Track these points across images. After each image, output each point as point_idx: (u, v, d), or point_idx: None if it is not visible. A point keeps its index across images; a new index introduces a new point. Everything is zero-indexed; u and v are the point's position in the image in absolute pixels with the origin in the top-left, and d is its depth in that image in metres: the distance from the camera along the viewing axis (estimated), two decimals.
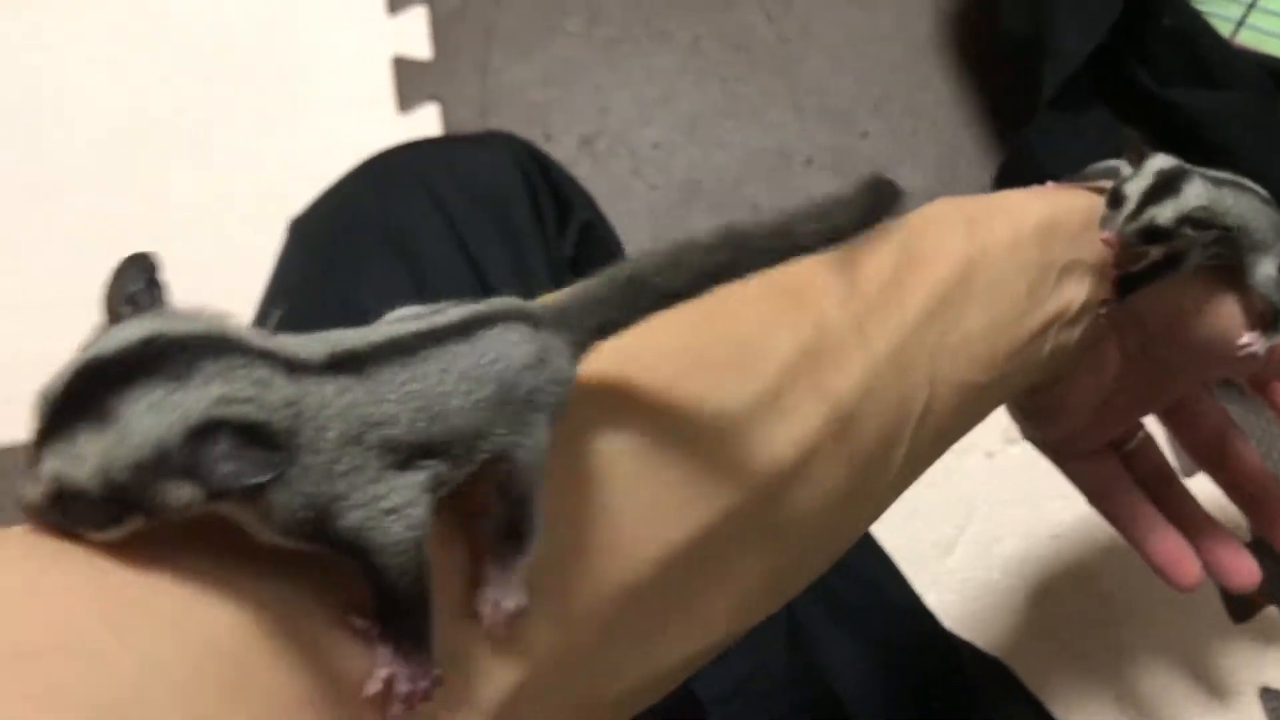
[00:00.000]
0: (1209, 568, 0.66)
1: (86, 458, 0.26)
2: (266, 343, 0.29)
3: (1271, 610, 1.05)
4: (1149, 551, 0.66)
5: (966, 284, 0.47)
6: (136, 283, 0.29)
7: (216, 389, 0.26)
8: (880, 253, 0.46)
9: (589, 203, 0.90)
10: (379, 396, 0.29)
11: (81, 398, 0.26)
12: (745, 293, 0.42)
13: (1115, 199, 0.51)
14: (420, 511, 0.30)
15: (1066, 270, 0.51)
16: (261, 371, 0.27)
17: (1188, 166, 0.51)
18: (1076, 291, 0.51)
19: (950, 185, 1.24)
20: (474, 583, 0.33)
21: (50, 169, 1.29)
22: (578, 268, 0.83)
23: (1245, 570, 0.66)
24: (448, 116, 1.29)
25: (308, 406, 0.28)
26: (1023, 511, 1.09)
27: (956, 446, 0.51)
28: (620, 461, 0.38)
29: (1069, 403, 0.58)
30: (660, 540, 0.38)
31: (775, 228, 0.37)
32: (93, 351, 0.27)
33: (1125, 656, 1.03)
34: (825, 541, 0.46)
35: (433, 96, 1.31)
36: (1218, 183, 0.52)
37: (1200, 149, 1.03)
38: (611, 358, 0.38)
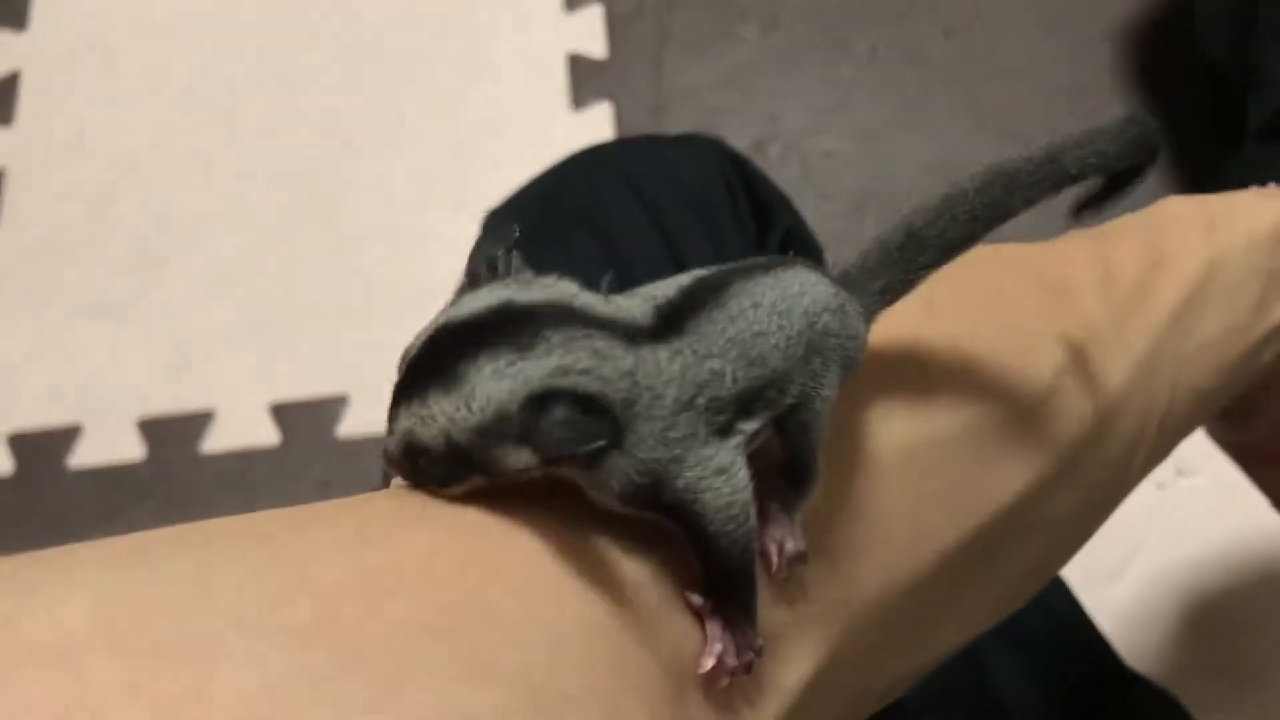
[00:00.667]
0: None
1: (435, 418, 0.27)
2: (606, 310, 0.29)
3: None
4: None
5: (1206, 287, 0.46)
6: (496, 248, 0.30)
7: (556, 359, 0.27)
8: (1128, 249, 0.46)
9: (790, 209, 0.90)
10: (705, 352, 0.29)
11: (435, 360, 0.27)
12: (1011, 283, 0.42)
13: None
14: (743, 472, 0.30)
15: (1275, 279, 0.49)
16: (600, 342, 0.28)
17: None
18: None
19: (1123, 212, 1.21)
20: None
21: (236, 162, 1.32)
22: None
23: None
24: (621, 115, 1.30)
25: (645, 375, 0.28)
26: (1193, 546, 1.07)
27: None
28: (912, 453, 0.38)
29: (1268, 405, 0.56)
30: (944, 536, 0.38)
31: (1041, 157, 0.37)
32: (447, 316, 0.28)
33: None
34: (1074, 538, 0.46)
35: (607, 95, 1.32)
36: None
37: None
38: (898, 337, 0.38)
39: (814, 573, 0.34)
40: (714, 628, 0.30)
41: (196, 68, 1.37)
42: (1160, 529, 1.07)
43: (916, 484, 0.37)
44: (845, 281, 0.35)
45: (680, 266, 0.79)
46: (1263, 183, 0.99)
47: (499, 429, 0.27)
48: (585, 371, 0.27)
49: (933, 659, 0.41)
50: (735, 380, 0.29)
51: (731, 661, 0.30)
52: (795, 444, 0.32)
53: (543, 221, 0.81)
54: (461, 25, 1.37)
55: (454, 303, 0.29)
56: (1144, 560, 1.06)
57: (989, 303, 0.42)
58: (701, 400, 0.29)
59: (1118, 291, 0.44)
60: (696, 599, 0.30)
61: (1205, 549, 1.07)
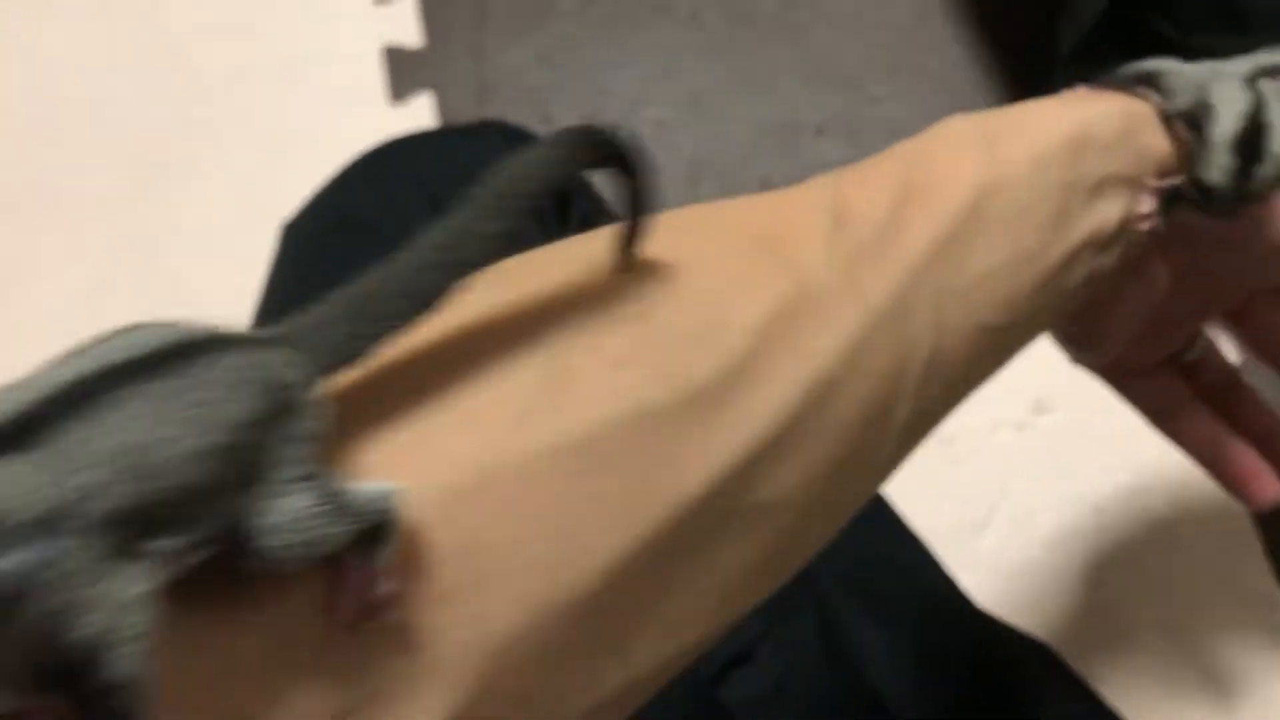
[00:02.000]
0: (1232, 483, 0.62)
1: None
2: None
3: None
4: (1220, 471, 0.61)
5: (980, 213, 0.42)
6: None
7: None
8: (878, 184, 0.42)
9: (589, 193, 0.86)
10: (72, 465, 0.24)
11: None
12: (711, 247, 0.39)
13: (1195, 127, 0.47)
14: (138, 615, 0.24)
15: (1099, 187, 0.46)
16: None
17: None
18: (1111, 209, 0.46)
19: None
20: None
21: (42, 175, 1.26)
22: None
23: (1266, 486, 0.61)
24: (443, 105, 1.25)
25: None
26: (1059, 485, 1.05)
27: (985, 420, 0.47)
28: (558, 457, 0.33)
29: (1114, 324, 0.54)
30: (612, 544, 0.33)
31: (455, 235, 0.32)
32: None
33: (1173, 633, 0.99)
34: (820, 514, 0.41)
35: (426, 85, 1.27)
36: None
37: None
38: (542, 328, 0.34)
39: (430, 616, 0.30)
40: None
41: None
42: (1023, 472, 1.05)
43: (566, 492, 0.32)
44: (289, 338, 0.29)
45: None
46: None
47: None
48: None
49: (657, 667, 0.36)
50: (120, 496, 0.24)
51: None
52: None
53: (334, 234, 0.77)
54: (269, 29, 1.31)
55: None
56: (1009, 506, 1.04)
57: (669, 277, 0.37)
58: (70, 523, 0.23)
59: (850, 237, 0.40)
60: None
61: (1071, 487, 1.05)
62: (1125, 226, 0.47)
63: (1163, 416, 0.61)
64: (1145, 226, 0.47)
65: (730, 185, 1.19)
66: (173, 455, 0.24)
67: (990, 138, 0.44)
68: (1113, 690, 0.96)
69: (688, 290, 0.37)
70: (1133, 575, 1.01)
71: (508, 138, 0.82)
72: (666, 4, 1.29)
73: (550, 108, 1.25)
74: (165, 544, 0.24)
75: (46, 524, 0.22)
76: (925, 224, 0.41)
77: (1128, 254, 0.48)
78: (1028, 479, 1.06)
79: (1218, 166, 0.45)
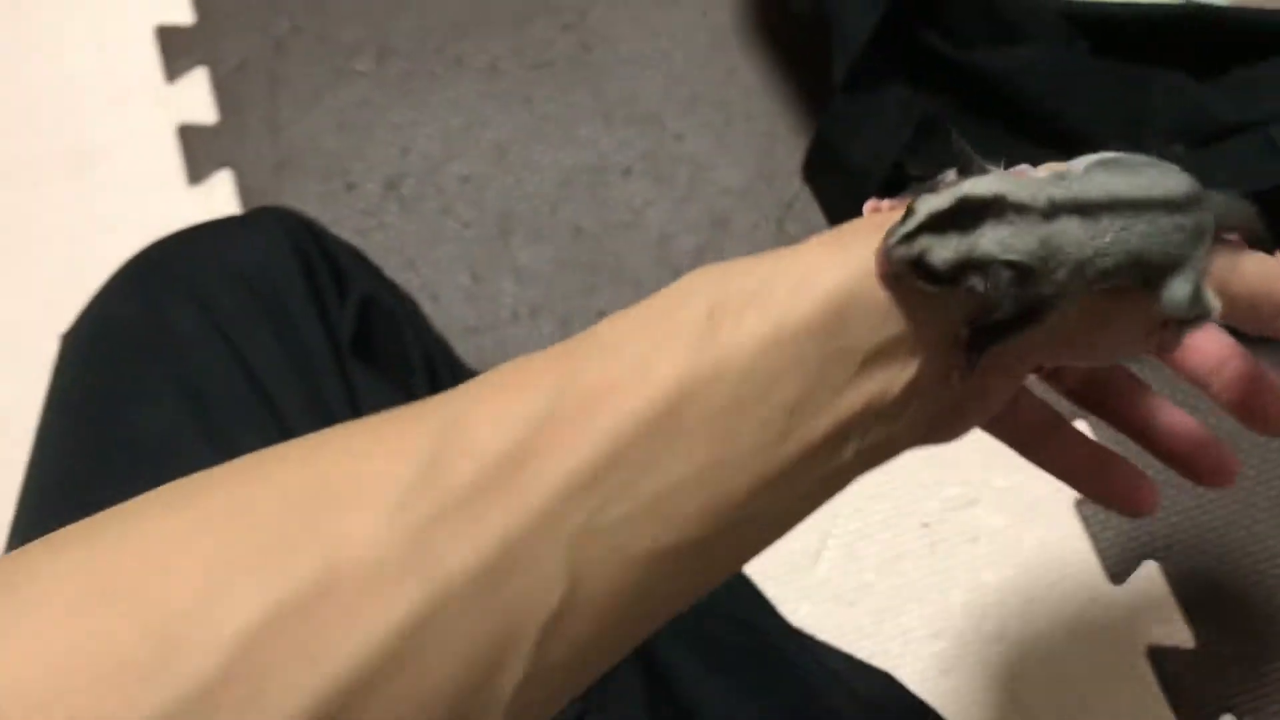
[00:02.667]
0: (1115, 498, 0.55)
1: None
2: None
3: (1149, 567, 1.03)
4: (1100, 490, 0.54)
5: (675, 418, 0.36)
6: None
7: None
8: (519, 399, 0.35)
9: (372, 274, 0.84)
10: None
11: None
12: (207, 534, 0.32)
13: (908, 211, 0.39)
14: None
15: (878, 354, 0.39)
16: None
17: (1019, 201, 0.39)
18: (896, 374, 0.40)
19: (771, 176, 1.20)
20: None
21: None
22: (359, 346, 0.78)
23: (1150, 491, 0.55)
24: (242, 181, 1.22)
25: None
26: (887, 505, 1.06)
27: None
28: None
29: (959, 430, 0.47)
30: None
31: None
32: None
33: (1010, 637, 1.00)
34: None
35: (224, 162, 1.24)
36: (1089, 212, 0.40)
37: (1006, 111, 1.00)
38: None
39: None
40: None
41: None
42: (850, 497, 1.05)
43: None
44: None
45: (252, 377, 0.73)
46: (852, 134, 0.97)
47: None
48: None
49: None
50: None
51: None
52: None
53: (102, 344, 0.74)
54: (59, 116, 1.27)
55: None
56: (840, 532, 1.04)
57: (139, 583, 0.31)
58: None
59: (442, 484, 0.33)
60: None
61: (899, 506, 1.06)
62: (920, 385, 0.40)
63: (1031, 446, 0.54)
64: (956, 380, 0.41)
65: (541, 235, 1.18)
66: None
67: (718, 312, 0.38)
68: (957, 702, 0.96)
69: (145, 604, 0.30)
70: (966, 589, 1.02)
71: (285, 225, 0.80)
72: (462, 57, 1.28)
73: (352, 173, 1.23)
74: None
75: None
76: (567, 452, 0.35)
77: (927, 408, 0.41)
78: (856, 503, 1.06)
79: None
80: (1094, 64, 1.01)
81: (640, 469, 0.35)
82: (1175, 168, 0.43)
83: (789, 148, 1.21)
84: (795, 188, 1.17)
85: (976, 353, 0.40)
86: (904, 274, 0.38)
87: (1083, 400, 0.54)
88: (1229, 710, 0.98)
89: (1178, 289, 0.42)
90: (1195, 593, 1.02)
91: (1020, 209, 0.38)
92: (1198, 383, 0.50)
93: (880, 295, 0.39)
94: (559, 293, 1.15)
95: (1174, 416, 0.53)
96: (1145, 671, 0.98)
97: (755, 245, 1.16)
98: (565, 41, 1.29)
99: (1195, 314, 0.42)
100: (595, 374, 0.36)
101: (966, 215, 0.38)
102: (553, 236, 1.18)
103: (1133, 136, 0.99)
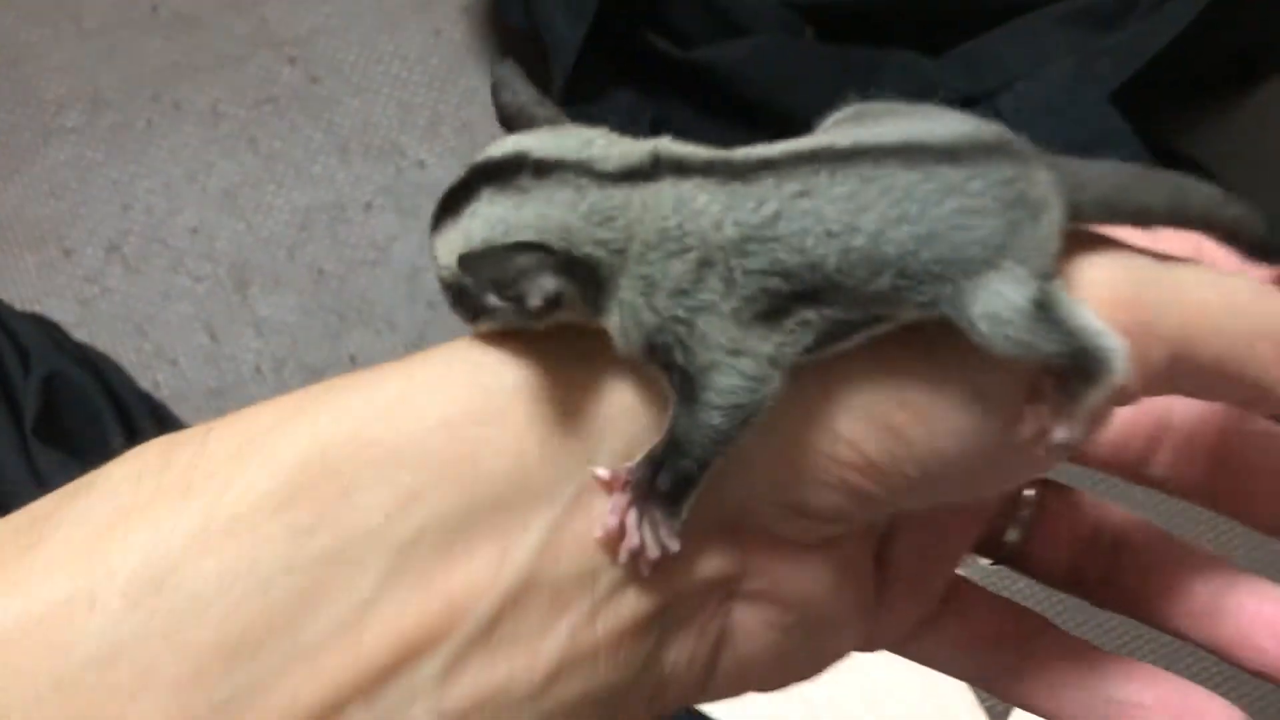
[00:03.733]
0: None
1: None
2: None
3: None
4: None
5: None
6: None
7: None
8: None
9: (58, 347, 0.77)
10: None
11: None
12: None
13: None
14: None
15: (411, 548, 0.25)
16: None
17: (561, 158, 0.26)
18: (488, 571, 0.25)
19: None
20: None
21: None
22: (45, 428, 0.70)
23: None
24: None
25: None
26: None
27: None
28: None
29: (766, 676, 0.30)
30: None
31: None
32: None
33: None
34: None
35: None
36: (731, 172, 0.26)
37: (737, 106, 0.97)
38: None
39: None
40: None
41: None
42: None
43: None
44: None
45: None
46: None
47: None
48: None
49: None
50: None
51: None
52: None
53: None
54: None
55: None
56: None
57: None
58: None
59: None
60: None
61: None
62: (548, 590, 0.26)
63: (993, 676, 0.33)
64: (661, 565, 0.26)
65: (282, 281, 1.11)
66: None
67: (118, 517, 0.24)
68: None
69: None
70: None
71: None
72: (180, 102, 1.20)
73: (69, 238, 1.14)
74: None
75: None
76: None
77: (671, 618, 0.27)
78: None
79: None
80: (820, 50, 0.99)
81: None
82: (968, 115, 0.27)
83: None
84: None
85: (668, 512, 0.26)
86: (452, 302, 0.27)
87: (1093, 589, 0.33)
88: None
89: (994, 299, 0.25)
90: None
91: (547, 168, 0.26)
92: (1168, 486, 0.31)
93: (411, 439, 0.25)
94: (306, 342, 1.08)
95: (1259, 599, 0.31)
96: None
97: None
98: (289, 75, 1.22)
99: (1059, 347, 0.25)
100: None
101: (448, 206, 0.27)
102: (293, 282, 1.11)
103: None
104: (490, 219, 0.25)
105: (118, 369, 0.81)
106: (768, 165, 0.25)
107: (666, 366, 0.25)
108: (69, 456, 0.70)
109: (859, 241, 0.25)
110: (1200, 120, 0.99)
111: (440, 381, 0.26)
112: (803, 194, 0.25)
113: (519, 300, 0.25)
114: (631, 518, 0.25)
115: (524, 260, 0.24)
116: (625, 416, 0.26)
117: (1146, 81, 0.91)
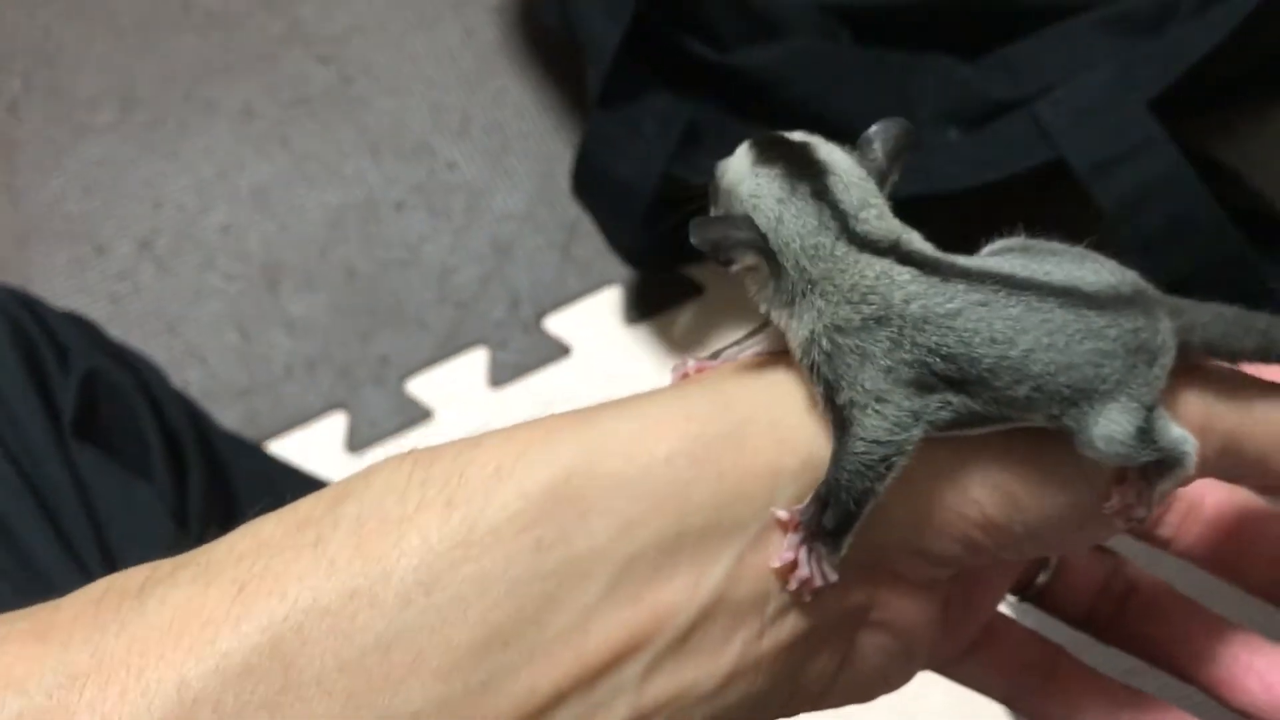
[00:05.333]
0: None
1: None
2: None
3: None
4: None
5: (276, 671, 0.28)
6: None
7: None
8: (49, 657, 0.28)
9: (98, 344, 0.77)
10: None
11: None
12: None
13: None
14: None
15: (642, 561, 0.30)
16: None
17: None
18: (686, 590, 0.30)
19: (553, 198, 1.15)
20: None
21: None
22: (83, 426, 0.70)
23: None
24: None
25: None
26: None
27: None
28: None
29: (863, 688, 0.35)
30: None
31: None
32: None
33: None
34: None
35: None
36: (931, 268, 0.32)
37: (771, 110, 0.97)
38: None
39: None
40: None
41: None
42: None
43: None
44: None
45: None
46: (615, 151, 0.93)
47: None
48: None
49: None
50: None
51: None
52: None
53: None
54: None
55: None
56: None
57: None
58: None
59: None
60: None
61: None
62: (732, 611, 0.30)
63: (1013, 700, 0.40)
64: (805, 593, 0.31)
65: (313, 281, 1.10)
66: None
67: (380, 513, 0.29)
68: None
69: None
70: None
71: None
72: (213, 101, 1.20)
73: (101, 235, 1.14)
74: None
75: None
76: None
77: (803, 640, 0.32)
78: None
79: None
80: (857, 54, 0.98)
81: None
82: (1112, 262, 0.33)
83: (568, 167, 1.16)
84: (578, 208, 1.13)
85: (830, 548, 0.31)
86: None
87: (1105, 629, 0.40)
88: None
89: (1111, 424, 0.31)
90: None
91: (836, 213, 0.32)
92: (1221, 570, 0.38)
93: (637, 473, 0.30)
94: (336, 342, 1.08)
95: (1250, 650, 0.37)
96: None
97: (541, 271, 1.11)
98: (322, 76, 1.22)
99: (1151, 458, 0.31)
100: (175, 606, 0.28)
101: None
102: (325, 282, 1.11)
103: None
104: (758, 190, 0.31)
105: (153, 368, 0.80)
106: (963, 274, 0.31)
107: (825, 397, 0.31)
108: (106, 454, 0.70)
109: (1013, 353, 0.30)
110: (1238, 127, 0.98)
111: (662, 427, 0.30)
112: (983, 304, 0.30)
113: (727, 261, 0.31)
114: (803, 553, 0.30)
115: (742, 234, 0.31)
116: (803, 469, 0.31)
117: (1185, 87, 0.90)
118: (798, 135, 0.33)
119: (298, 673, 0.27)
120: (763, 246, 0.31)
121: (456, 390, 1.06)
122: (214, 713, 0.27)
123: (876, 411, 0.30)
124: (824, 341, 0.31)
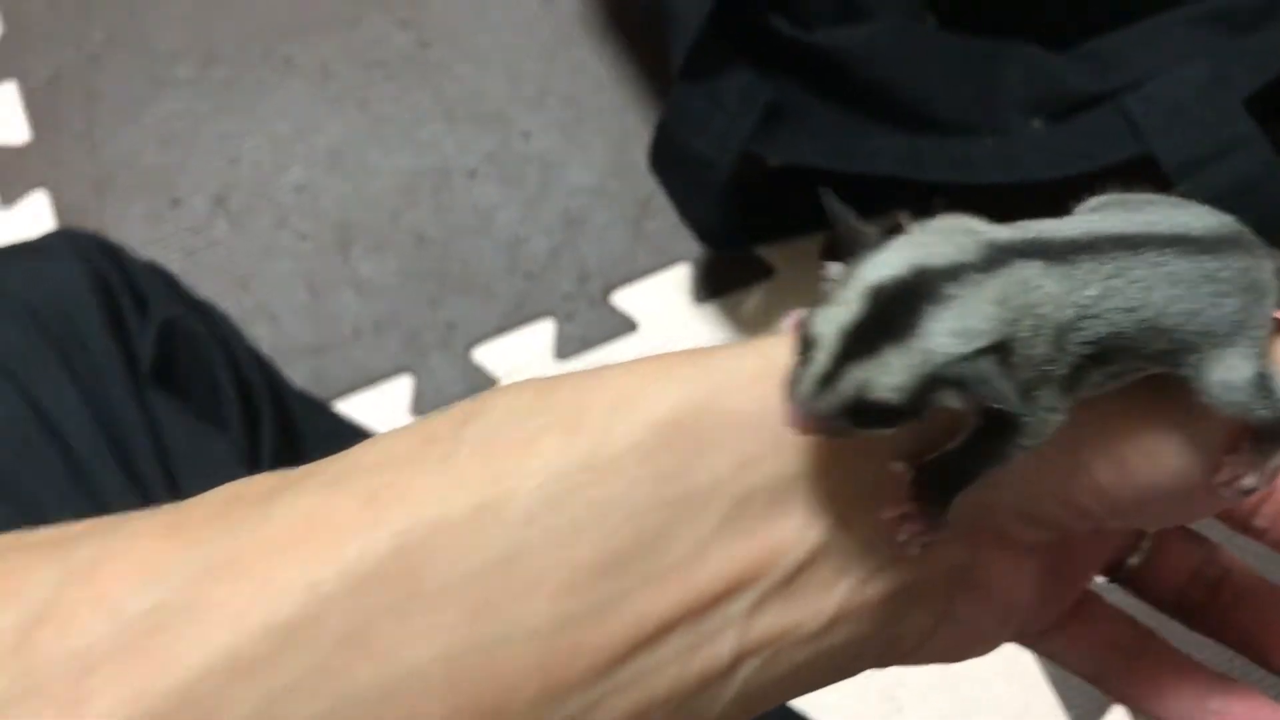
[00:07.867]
0: None
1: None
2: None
3: None
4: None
5: (406, 577, 0.28)
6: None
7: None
8: (178, 550, 0.28)
9: (176, 294, 0.77)
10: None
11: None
12: None
13: (804, 344, 0.28)
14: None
15: (755, 499, 0.30)
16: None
17: (948, 264, 0.28)
18: (795, 533, 0.30)
19: (625, 172, 1.14)
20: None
21: None
22: (160, 374, 0.71)
23: None
24: (59, 202, 1.14)
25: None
26: None
27: None
28: None
29: (926, 654, 0.35)
30: None
31: None
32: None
33: None
34: None
35: (38, 183, 1.15)
36: (1055, 254, 0.29)
37: (853, 91, 0.96)
38: None
39: None
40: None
41: None
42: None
43: None
44: None
45: (40, 415, 0.66)
46: (696, 124, 0.92)
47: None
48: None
49: None
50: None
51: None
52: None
53: None
54: None
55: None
56: None
57: None
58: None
59: (50, 655, 0.27)
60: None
61: None
62: (837, 558, 0.30)
63: (1099, 678, 0.39)
64: (914, 549, 0.30)
65: (384, 244, 1.11)
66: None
67: (504, 436, 0.29)
68: None
69: None
70: None
71: (77, 247, 0.73)
72: (291, 60, 1.21)
73: (177, 188, 1.15)
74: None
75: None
76: (230, 618, 0.27)
77: (903, 592, 0.31)
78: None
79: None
80: (942, 39, 0.97)
81: (341, 650, 0.27)
82: (1204, 207, 0.32)
83: (642, 142, 1.15)
84: (651, 184, 1.12)
85: (937, 504, 0.30)
86: (840, 428, 0.28)
87: (1195, 616, 0.39)
88: None
89: (1229, 370, 0.30)
90: None
91: (953, 274, 0.28)
92: None
93: (757, 411, 0.29)
94: (405, 305, 1.09)
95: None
96: None
97: (611, 245, 1.11)
98: (401, 39, 1.22)
99: (1266, 413, 0.30)
100: (304, 511, 0.29)
101: (878, 326, 0.28)
102: (395, 246, 1.11)
103: (986, 111, 0.96)
104: (944, 331, 0.27)
105: (229, 321, 0.81)
106: (1079, 248, 0.29)
107: (984, 409, 0.29)
108: (182, 402, 0.70)
109: (1148, 314, 0.29)
110: None
111: (784, 369, 0.29)
112: (1114, 275, 0.29)
113: (994, 397, 0.28)
114: (914, 507, 0.30)
115: (987, 366, 0.27)
116: (921, 426, 0.29)
117: (1276, 85, 0.88)
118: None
119: (424, 581, 0.28)
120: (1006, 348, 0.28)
121: (522, 360, 1.06)
122: (343, 614, 0.27)
123: (1045, 421, 0.29)
124: (1019, 375, 0.28)
